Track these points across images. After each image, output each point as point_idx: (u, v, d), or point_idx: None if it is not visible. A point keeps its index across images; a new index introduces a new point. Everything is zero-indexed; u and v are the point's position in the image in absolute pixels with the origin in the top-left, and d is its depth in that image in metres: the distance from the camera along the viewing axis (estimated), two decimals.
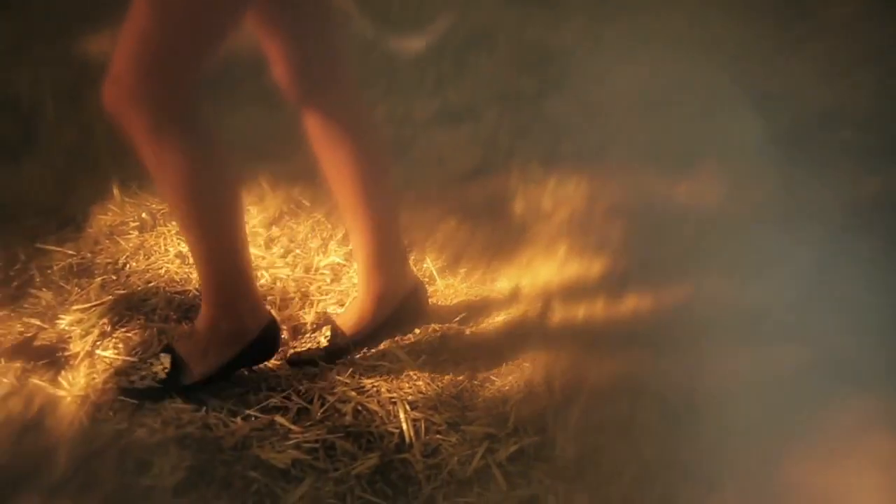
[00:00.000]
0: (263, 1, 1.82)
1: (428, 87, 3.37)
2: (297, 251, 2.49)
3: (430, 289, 2.31)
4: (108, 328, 2.22)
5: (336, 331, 2.14)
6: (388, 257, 2.09)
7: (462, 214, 2.59)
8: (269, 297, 2.33)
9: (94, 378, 2.08)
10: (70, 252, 2.43)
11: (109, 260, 2.42)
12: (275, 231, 2.54)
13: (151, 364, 2.03)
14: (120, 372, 2.06)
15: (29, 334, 2.17)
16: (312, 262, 2.44)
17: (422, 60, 3.48)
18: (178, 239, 2.49)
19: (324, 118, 1.96)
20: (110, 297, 2.29)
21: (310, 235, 2.53)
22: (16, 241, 2.42)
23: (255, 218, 2.58)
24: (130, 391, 2.01)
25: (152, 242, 2.48)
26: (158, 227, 2.53)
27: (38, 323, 2.19)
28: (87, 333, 2.20)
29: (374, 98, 3.25)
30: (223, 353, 2.02)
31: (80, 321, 2.24)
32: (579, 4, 3.81)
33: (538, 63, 3.45)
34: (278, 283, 2.37)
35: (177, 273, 2.37)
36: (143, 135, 1.74)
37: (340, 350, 2.12)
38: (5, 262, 2.35)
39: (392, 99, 3.26)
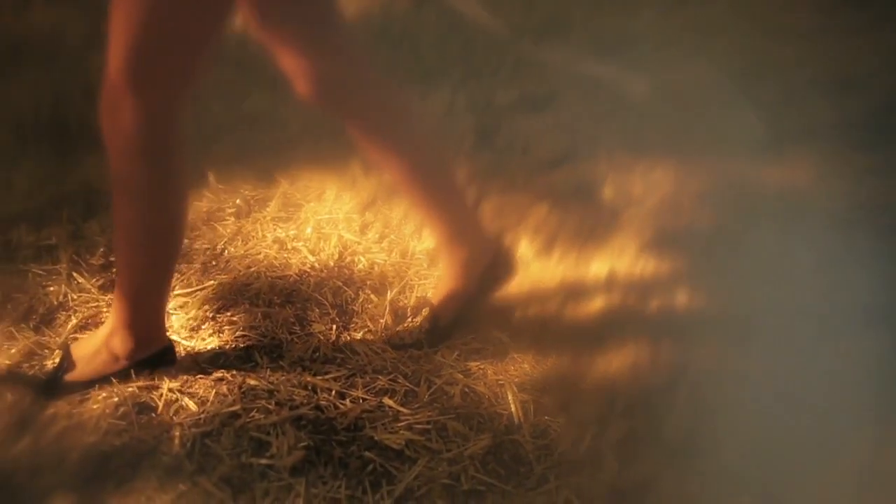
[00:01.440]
0: (261, 16, 1.84)
1: (506, 73, 3.39)
2: (392, 236, 2.52)
3: (524, 272, 2.33)
4: (212, 313, 2.24)
5: (436, 313, 2.18)
6: (458, 227, 2.17)
7: (552, 200, 2.61)
8: (367, 282, 2.36)
9: (200, 361, 2.11)
10: None
11: (207, 245, 2.47)
12: (368, 216, 2.57)
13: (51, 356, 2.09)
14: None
15: None
16: (408, 246, 2.47)
17: (499, 47, 3.51)
18: (274, 225, 2.53)
19: (359, 121, 2.02)
20: (212, 281, 2.32)
21: (404, 220, 2.56)
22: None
23: (349, 203, 2.61)
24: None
25: (249, 228, 2.53)
26: (254, 214, 2.58)
27: None
28: (191, 318, 2.23)
29: (454, 84, 3.27)
30: (107, 366, 2.09)
31: (182, 306, 2.28)
32: None
33: (615, 49, 3.47)
34: (376, 268, 2.40)
35: (276, 258, 2.41)
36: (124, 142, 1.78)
37: (442, 332, 2.16)
38: (106, 248, 2.39)
39: (472, 85, 3.28)
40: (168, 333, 2.14)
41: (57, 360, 2.09)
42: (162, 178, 1.85)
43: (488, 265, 2.21)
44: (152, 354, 2.09)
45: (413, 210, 2.35)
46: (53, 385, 2.05)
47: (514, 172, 2.79)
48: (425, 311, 2.20)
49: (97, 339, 2.07)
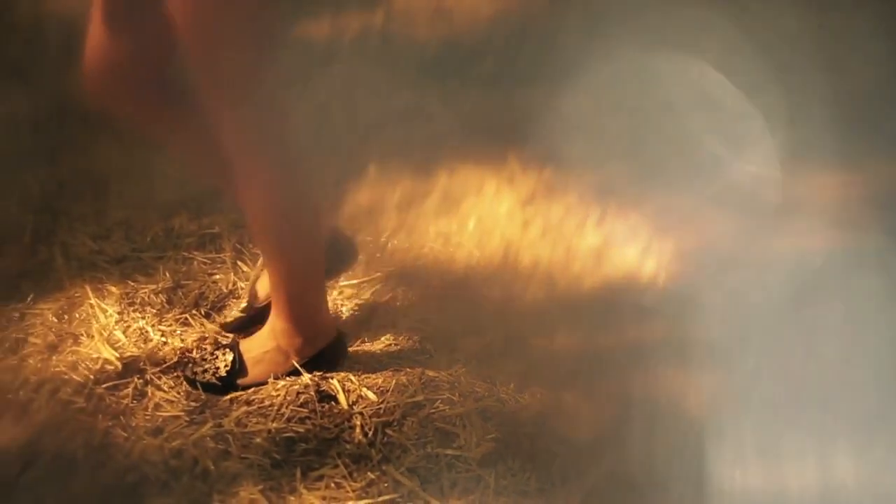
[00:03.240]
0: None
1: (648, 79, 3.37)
2: (554, 232, 2.51)
3: None
4: (382, 305, 2.25)
5: None
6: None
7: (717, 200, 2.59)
8: (534, 278, 2.35)
9: (375, 352, 2.12)
10: None
11: (370, 238, 2.47)
12: (529, 212, 2.57)
13: (216, 359, 2.06)
14: (184, 363, 2.12)
15: None
16: (571, 243, 2.46)
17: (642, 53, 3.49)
18: (435, 218, 2.54)
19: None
20: (378, 273, 2.33)
21: (565, 217, 2.55)
22: None
23: (509, 199, 2.62)
24: (192, 382, 2.07)
25: (411, 221, 2.54)
26: (415, 207, 2.58)
27: None
28: (360, 309, 2.25)
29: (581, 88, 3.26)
30: (279, 364, 2.09)
31: (350, 297, 2.29)
32: None
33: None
34: (541, 265, 2.39)
35: (441, 252, 2.42)
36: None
37: None
38: None
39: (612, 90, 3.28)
40: (337, 325, 2.16)
41: (228, 358, 2.07)
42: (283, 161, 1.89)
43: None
44: (322, 348, 2.07)
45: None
46: (226, 388, 2.08)
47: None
48: None
49: (264, 338, 2.10)
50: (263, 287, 2.16)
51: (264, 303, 2.16)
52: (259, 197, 1.94)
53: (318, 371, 2.10)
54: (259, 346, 2.08)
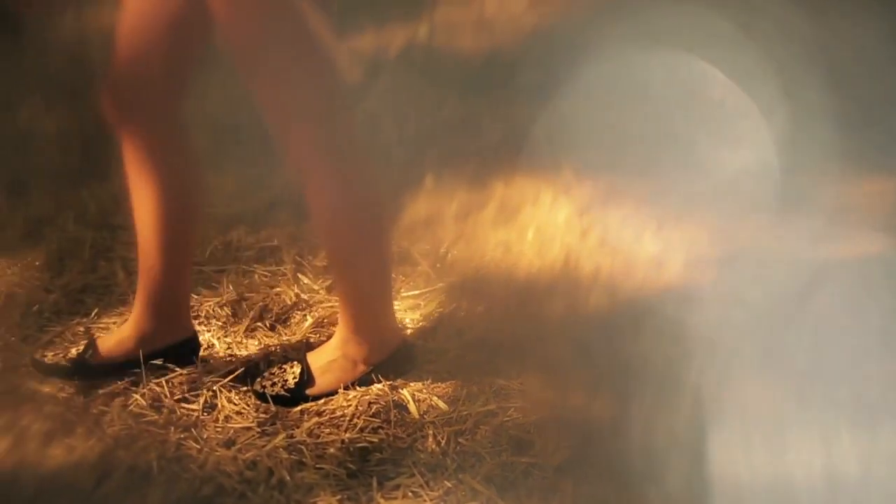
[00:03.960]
0: None
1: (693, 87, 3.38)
2: (614, 241, 2.51)
3: None
4: (446, 314, 2.26)
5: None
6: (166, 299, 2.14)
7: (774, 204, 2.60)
8: (596, 287, 2.36)
9: (441, 362, 2.13)
10: None
11: (430, 247, 2.49)
12: (587, 221, 2.58)
13: (284, 372, 2.08)
14: (252, 376, 2.14)
15: None
16: (631, 252, 2.47)
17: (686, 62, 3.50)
18: (494, 228, 2.55)
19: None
20: (441, 283, 2.35)
21: (622, 226, 2.56)
22: None
23: (566, 208, 2.63)
24: (261, 396, 2.09)
25: (470, 231, 2.55)
26: (472, 217, 2.59)
27: None
28: (425, 319, 2.26)
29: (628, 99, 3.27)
30: (347, 373, 2.10)
31: (413, 307, 2.31)
32: None
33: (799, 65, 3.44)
34: (602, 273, 2.40)
35: (502, 261, 2.43)
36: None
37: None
38: None
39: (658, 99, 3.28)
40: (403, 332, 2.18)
41: (296, 370, 2.09)
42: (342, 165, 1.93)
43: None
44: (389, 355, 2.07)
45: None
46: (296, 400, 2.09)
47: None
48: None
49: (332, 348, 2.12)
50: (105, 344, 2.15)
51: (103, 359, 2.14)
52: (327, 206, 1.97)
53: (386, 377, 2.09)
54: (326, 356, 2.10)
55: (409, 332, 2.23)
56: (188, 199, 2.06)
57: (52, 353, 2.11)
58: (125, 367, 2.12)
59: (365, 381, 2.11)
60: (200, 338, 2.21)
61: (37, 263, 2.46)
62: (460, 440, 1.99)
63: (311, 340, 2.22)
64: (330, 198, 1.94)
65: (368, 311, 2.08)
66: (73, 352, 2.11)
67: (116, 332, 2.15)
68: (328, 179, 1.91)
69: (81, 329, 2.28)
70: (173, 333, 2.14)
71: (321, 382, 2.08)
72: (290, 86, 1.83)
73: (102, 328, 2.27)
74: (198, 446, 1.97)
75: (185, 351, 2.15)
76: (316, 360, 2.09)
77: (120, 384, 2.11)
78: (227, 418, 2.04)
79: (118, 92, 1.95)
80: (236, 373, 2.13)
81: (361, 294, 2.07)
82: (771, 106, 3.02)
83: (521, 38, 3.63)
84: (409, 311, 2.31)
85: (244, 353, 2.19)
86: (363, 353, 2.09)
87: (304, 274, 2.42)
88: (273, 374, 2.10)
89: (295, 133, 1.87)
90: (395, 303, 2.31)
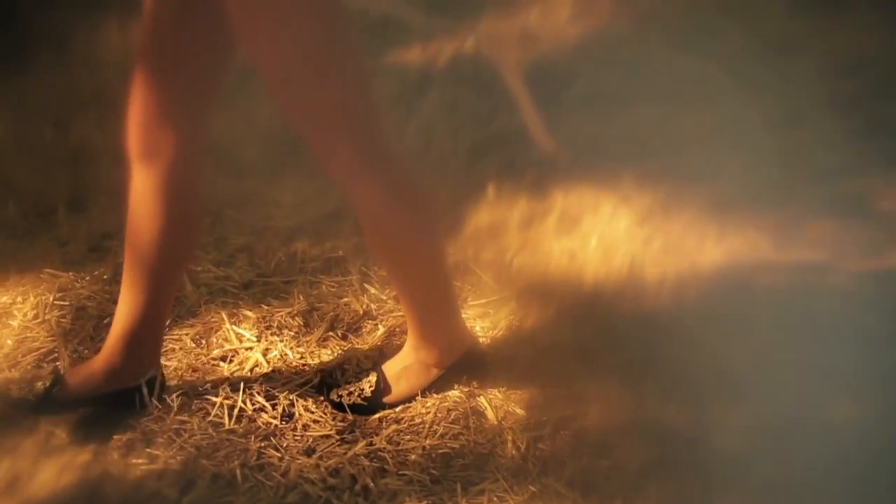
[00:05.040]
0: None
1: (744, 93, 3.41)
2: (676, 248, 2.54)
3: None
4: (515, 322, 2.30)
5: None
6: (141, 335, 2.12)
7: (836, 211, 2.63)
8: (662, 294, 2.39)
9: (514, 368, 2.16)
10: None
11: (494, 256, 2.52)
12: (648, 229, 2.61)
13: (360, 381, 2.12)
14: (328, 386, 2.17)
15: None
16: (694, 259, 2.50)
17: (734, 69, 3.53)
18: (557, 237, 2.58)
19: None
20: (507, 292, 2.38)
21: (684, 234, 2.59)
22: None
23: (627, 217, 2.66)
24: (338, 406, 2.13)
25: (533, 240, 2.58)
26: (535, 226, 2.62)
27: None
28: (494, 327, 2.29)
29: (680, 107, 3.30)
30: (421, 377, 2.15)
31: (482, 315, 2.34)
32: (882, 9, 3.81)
33: (853, 68, 3.47)
34: (667, 280, 2.43)
35: (568, 270, 2.46)
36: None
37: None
38: None
39: (711, 107, 3.32)
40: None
41: (372, 378, 2.14)
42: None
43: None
44: (460, 357, 2.13)
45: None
46: (374, 408, 2.13)
47: (783, 183, 2.80)
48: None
49: (404, 355, 2.17)
50: (74, 377, 2.12)
51: (71, 393, 2.10)
52: (373, 215, 1.99)
53: (459, 379, 2.14)
54: (399, 363, 2.14)
55: (480, 339, 2.24)
56: (184, 245, 2.08)
57: (17, 388, 2.11)
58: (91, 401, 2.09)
59: (441, 388, 2.11)
60: (274, 348, 2.24)
61: (105, 276, 2.49)
62: (540, 445, 2.02)
63: (384, 349, 2.23)
64: (375, 207, 1.95)
65: (433, 315, 2.12)
66: (40, 385, 2.12)
67: (86, 366, 2.11)
68: (369, 188, 1.92)
69: None
70: (142, 371, 2.13)
71: (397, 390, 2.11)
72: (319, 101, 1.83)
73: (175, 339, 2.29)
74: (279, 454, 2.01)
75: (151, 387, 2.14)
76: (390, 368, 2.13)
77: (197, 394, 2.12)
78: (305, 427, 2.07)
79: (139, 130, 1.94)
80: (312, 382, 2.15)
81: (423, 300, 2.10)
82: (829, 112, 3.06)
83: (567, 49, 3.66)
84: (479, 319, 2.34)
85: (317, 362, 2.20)
86: (434, 357, 2.12)
87: (370, 284, 2.45)
88: (349, 382, 2.12)
89: (329, 146, 1.87)
90: (464, 311, 2.34)
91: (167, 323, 2.20)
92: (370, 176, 1.90)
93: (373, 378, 2.11)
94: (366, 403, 2.10)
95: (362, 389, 2.10)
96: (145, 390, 2.12)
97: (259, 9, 1.72)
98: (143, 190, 1.96)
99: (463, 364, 2.14)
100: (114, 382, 2.09)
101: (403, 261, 2.05)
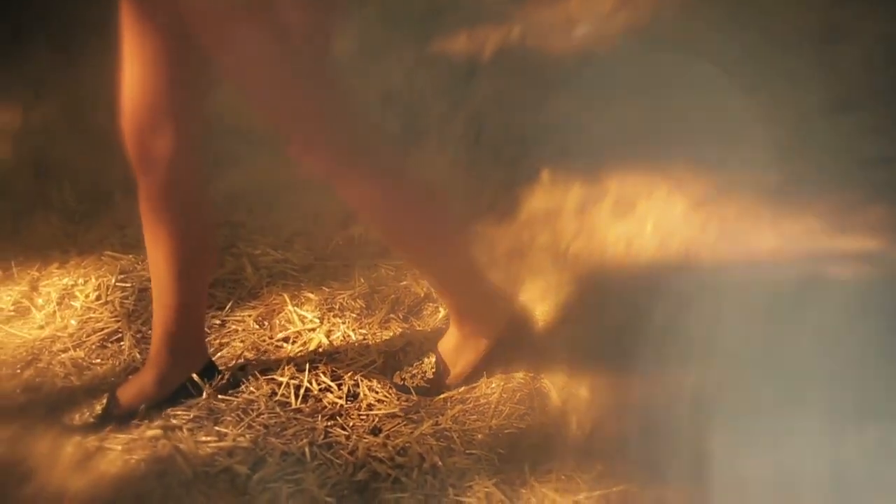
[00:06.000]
0: None
1: (793, 81, 3.42)
2: (732, 234, 2.56)
3: None
4: (570, 306, 2.32)
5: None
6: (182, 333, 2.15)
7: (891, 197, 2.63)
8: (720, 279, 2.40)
9: (581, 351, 2.18)
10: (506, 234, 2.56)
11: (550, 241, 2.54)
12: (703, 215, 2.62)
13: (422, 363, 2.15)
14: (391, 369, 2.22)
15: None
16: (750, 243, 2.51)
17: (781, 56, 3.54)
18: (614, 222, 2.60)
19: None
20: (566, 276, 2.40)
21: (739, 218, 2.60)
22: None
23: (681, 203, 2.67)
24: (403, 388, 2.17)
25: (589, 225, 2.59)
26: (591, 211, 2.64)
27: None
28: (550, 310, 2.31)
29: (728, 94, 3.31)
30: (473, 352, 2.18)
31: (541, 299, 2.36)
32: None
33: None
34: (724, 265, 2.45)
35: (624, 255, 2.47)
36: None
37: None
38: None
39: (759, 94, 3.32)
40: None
41: (431, 359, 2.18)
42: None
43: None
44: (506, 324, 2.19)
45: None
46: (438, 389, 2.17)
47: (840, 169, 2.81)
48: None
49: (452, 336, 2.21)
50: (125, 393, 2.16)
51: (126, 409, 2.15)
52: (371, 207, 2.02)
53: (522, 361, 2.19)
54: (450, 342, 2.20)
55: (539, 323, 2.28)
56: (202, 247, 2.09)
57: (78, 416, 2.14)
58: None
59: (506, 368, 2.20)
60: (336, 329, 2.27)
61: None
62: (605, 426, 2.03)
63: (444, 331, 2.26)
64: (372, 199, 1.98)
65: (461, 287, 2.16)
66: (98, 407, 2.14)
67: (136, 379, 2.15)
68: (354, 184, 1.95)
69: (217, 322, 2.33)
70: (191, 366, 2.18)
71: (456, 369, 2.17)
72: (292, 109, 1.85)
73: (238, 320, 2.33)
74: (346, 433, 2.04)
75: (205, 376, 2.19)
76: (443, 347, 2.18)
77: (262, 374, 2.16)
78: (370, 406, 2.11)
79: (136, 142, 1.96)
80: (376, 363, 2.18)
81: (443, 276, 2.14)
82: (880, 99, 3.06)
83: (612, 36, 3.67)
84: (538, 302, 2.35)
85: (379, 343, 2.23)
86: (480, 329, 2.18)
87: None
88: (411, 365, 2.15)
89: (308, 147, 1.89)
90: (522, 294, 2.36)
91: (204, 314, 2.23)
92: (355, 175, 1.93)
93: (432, 359, 2.13)
94: (429, 385, 2.12)
95: (424, 372, 2.13)
96: (198, 379, 2.15)
97: (224, 32, 1.74)
98: (148, 195, 1.98)
99: (519, 337, 2.21)
100: (167, 387, 2.14)
101: (418, 247, 2.11)
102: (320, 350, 2.23)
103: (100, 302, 2.41)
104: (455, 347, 2.14)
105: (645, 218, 2.60)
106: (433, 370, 2.13)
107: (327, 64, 1.82)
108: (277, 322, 2.32)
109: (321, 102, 1.83)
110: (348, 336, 2.26)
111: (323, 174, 1.92)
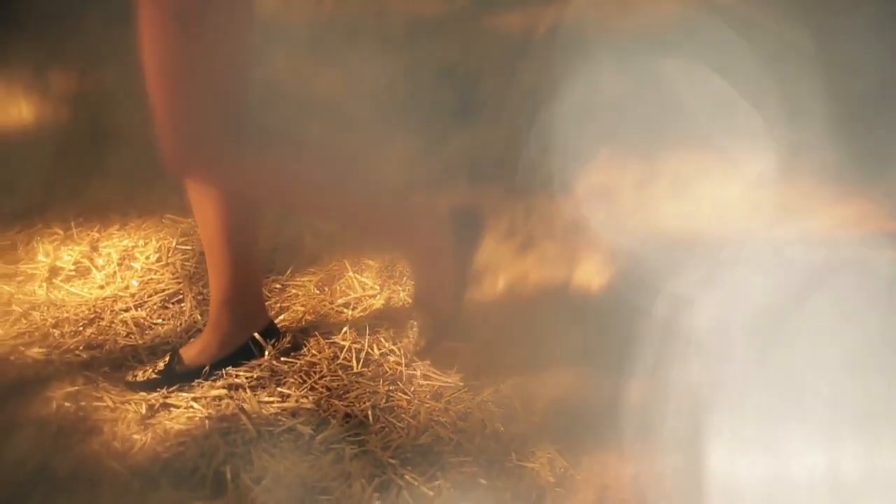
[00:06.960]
0: None
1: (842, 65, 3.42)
2: (790, 213, 2.57)
3: None
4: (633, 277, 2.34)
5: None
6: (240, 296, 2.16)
7: None
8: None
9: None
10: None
11: (609, 217, 2.56)
12: (760, 194, 2.63)
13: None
14: None
15: None
16: (808, 224, 2.52)
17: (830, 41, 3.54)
18: (672, 199, 2.62)
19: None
20: (621, 247, 2.42)
21: (799, 198, 2.62)
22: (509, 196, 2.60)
23: (737, 182, 2.68)
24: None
25: (647, 201, 2.61)
26: (648, 188, 2.66)
27: None
28: (614, 278, 2.34)
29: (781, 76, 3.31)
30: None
31: (599, 272, 2.38)
32: None
33: None
34: (783, 244, 2.46)
35: (683, 231, 2.48)
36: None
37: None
38: (511, 216, 2.51)
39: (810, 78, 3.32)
40: None
41: None
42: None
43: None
44: None
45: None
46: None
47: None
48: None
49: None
50: (189, 352, 2.20)
51: (189, 367, 2.19)
52: (324, 207, 2.11)
53: None
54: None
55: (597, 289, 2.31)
56: (243, 207, 2.10)
57: (141, 373, 2.17)
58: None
59: None
60: (396, 296, 2.30)
61: None
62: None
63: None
64: (319, 197, 2.04)
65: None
66: (161, 365, 2.17)
67: (198, 341, 2.19)
68: (298, 188, 2.02)
69: (278, 286, 2.36)
70: (253, 326, 2.20)
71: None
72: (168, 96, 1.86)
73: (298, 285, 2.36)
74: (407, 398, 2.07)
75: (266, 336, 2.21)
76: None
77: (323, 338, 2.19)
78: (428, 373, 2.12)
79: (173, 146, 1.92)
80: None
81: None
82: None
83: (666, 15, 3.68)
84: (594, 276, 2.37)
85: None
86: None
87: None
88: None
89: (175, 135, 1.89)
90: (582, 265, 2.38)
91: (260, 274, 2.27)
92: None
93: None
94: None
95: None
96: (260, 338, 2.17)
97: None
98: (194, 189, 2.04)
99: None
100: (228, 347, 2.17)
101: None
102: (381, 315, 2.24)
103: (160, 263, 2.44)
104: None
105: (702, 196, 2.61)
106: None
107: (223, 58, 1.83)
108: (338, 288, 2.35)
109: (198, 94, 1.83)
110: (407, 303, 2.28)
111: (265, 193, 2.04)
